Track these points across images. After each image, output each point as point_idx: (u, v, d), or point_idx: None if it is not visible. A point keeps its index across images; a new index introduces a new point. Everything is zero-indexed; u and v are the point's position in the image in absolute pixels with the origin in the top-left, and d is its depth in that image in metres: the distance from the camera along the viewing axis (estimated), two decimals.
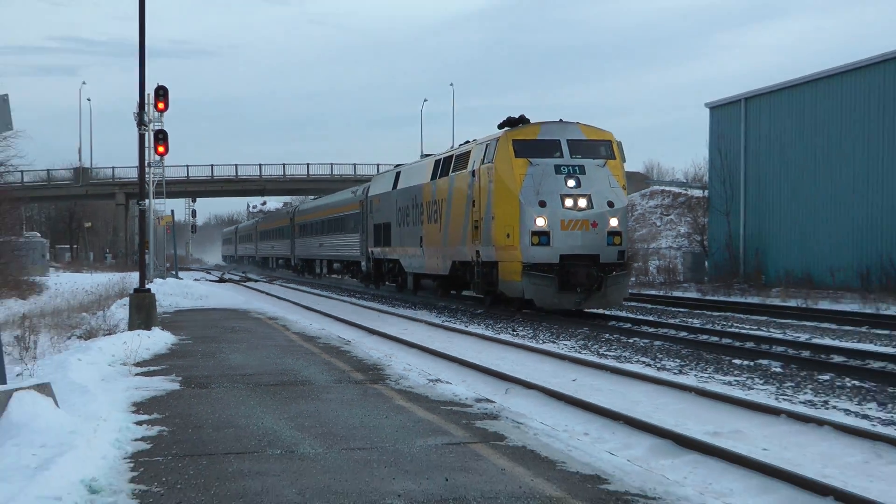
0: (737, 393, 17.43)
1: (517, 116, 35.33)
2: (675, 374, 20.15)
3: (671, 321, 32.53)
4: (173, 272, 77.21)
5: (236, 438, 12.08)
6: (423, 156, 46.62)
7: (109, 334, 24.85)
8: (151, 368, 19.12)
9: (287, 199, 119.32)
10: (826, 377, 19.09)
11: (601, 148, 33.24)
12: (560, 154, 32.40)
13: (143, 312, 27.95)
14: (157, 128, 36.62)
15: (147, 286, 31.69)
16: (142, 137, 33.70)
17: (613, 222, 31.45)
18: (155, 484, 9.65)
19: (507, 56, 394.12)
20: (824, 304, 39.16)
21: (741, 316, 35.57)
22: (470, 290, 42.31)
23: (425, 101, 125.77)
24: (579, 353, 23.92)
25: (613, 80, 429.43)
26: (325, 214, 73.16)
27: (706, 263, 59.20)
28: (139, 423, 13.02)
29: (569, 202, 31.16)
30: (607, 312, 36.85)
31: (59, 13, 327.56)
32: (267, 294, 57.49)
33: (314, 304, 47.47)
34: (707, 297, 46.24)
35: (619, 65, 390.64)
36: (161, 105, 35.34)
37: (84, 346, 21.61)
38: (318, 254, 78.42)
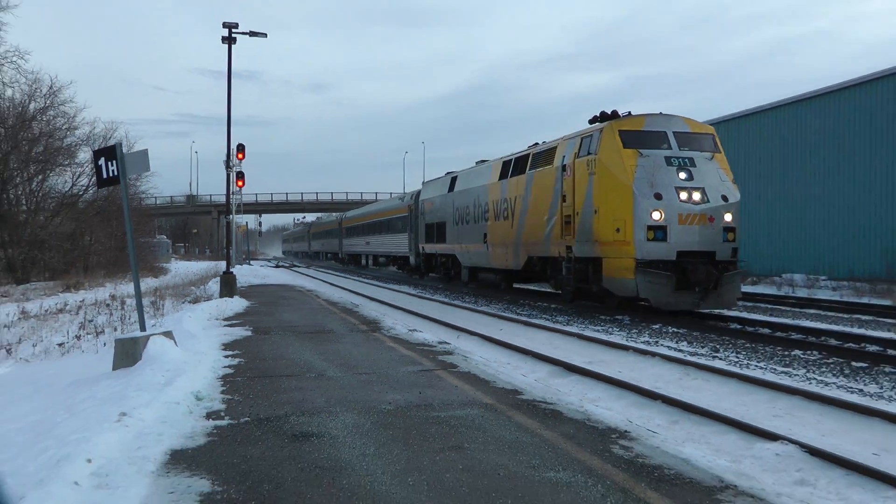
0: (602, 336, 17.53)
1: (610, 112, 23.77)
2: (564, 325, 20.23)
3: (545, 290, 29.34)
4: (247, 261, 77.73)
5: (286, 366, 12.08)
6: (479, 162, 36.17)
7: (208, 300, 24.85)
8: (233, 322, 19.07)
9: (319, 214, 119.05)
10: (656, 326, 19.22)
11: (707, 141, 22.83)
12: (668, 146, 22.05)
13: (228, 286, 27.97)
14: (237, 170, 36.82)
15: (231, 270, 31.74)
16: (228, 176, 35.95)
17: (728, 217, 21.21)
18: (236, 394, 9.70)
19: (460, 124, 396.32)
20: None
21: None
22: (536, 284, 32.95)
23: (406, 153, 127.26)
24: (503, 313, 23.96)
25: (532, 139, 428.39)
26: (371, 219, 61.88)
27: None
28: (226, 356, 13.02)
29: (683, 195, 21.03)
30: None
31: (180, 98, 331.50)
32: (306, 276, 57.24)
33: (336, 281, 47.41)
34: None
35: (539, 129, 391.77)
36: (240, 155, 35.66)
37: (192, 307, 21.71)
38: (364, 250, 66.78)
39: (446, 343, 15.08)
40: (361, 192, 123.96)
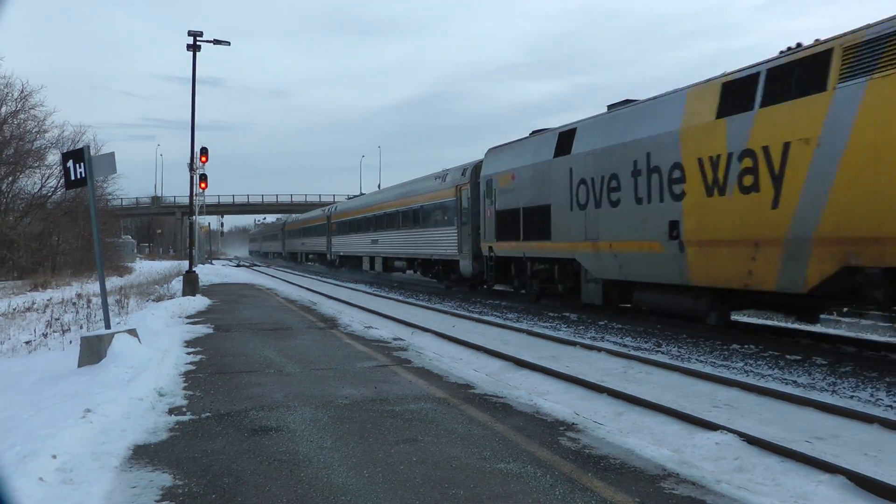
0: (550, 332, 17.62)
1: None
2: (515, 322, 20.30)
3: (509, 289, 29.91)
4: (209, 261, 77.20)
5: (247, 362, 12.00)
6: (535, 132, 25.05)
7: (171, 299, 24.64)
8: (196, 319, 18.90)
9: (280, 215, 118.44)
10: (602, 323, 19.34)
11: None
12: None
13: (191, 285, 27.76)
14: (201, 172, 36.61)
15: (193, 269, 31.46)
16: (192, 178, 35.36)
17: None
18: (198, 390, 9.62)
19: (415, 130, 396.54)
20: None
21: None
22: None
23: (363, 157, 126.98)
24: (456, 311, 23.97)
25: (484, 146, 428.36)
26: (384, 209, 42.97)
27: None
28: (188, 353, 12.92)
29: None
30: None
31: (147, 103, 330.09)
32: (266, 274, 56.90)
33: (296, 280, 47.18)
34: None
35: (490, 135, 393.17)
36: (204, 158, 35.50)
37: (156, 305, 21.49)
38: (369, 251, 46.56)
39: (401, 339, 15.05)
40: (320, 195, 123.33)
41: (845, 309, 18.60)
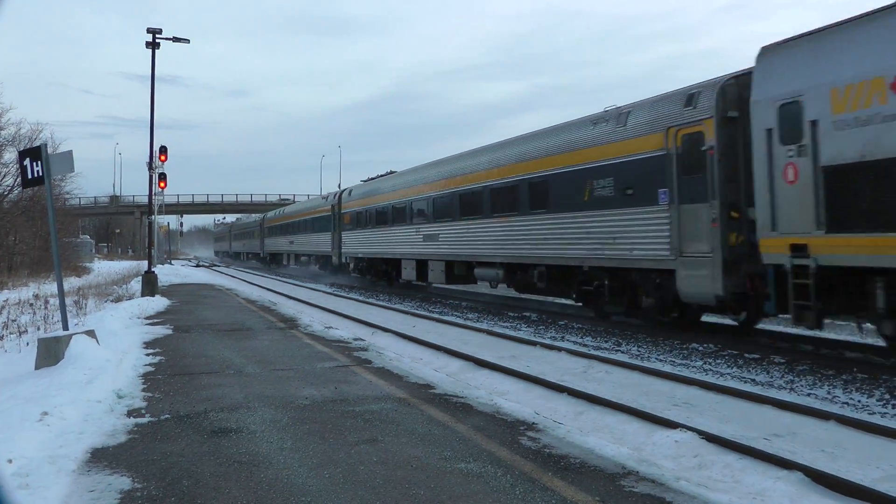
0: (511, 332, 17.68)
1: None
2: (476, 321, 20.34)
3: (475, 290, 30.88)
4: (169, 261, 76.53)
5: (206, 363, 11.92)
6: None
7: (130, 299, 24.39)
8: (155, 320, 18.75)
9: (239, 215, 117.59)
10: (562, 322, 19.43)
11: None
12: None
13: (150, 286, 27.51)
14: (160, 171, 36.31)
15: (152, 269, 31.19)
16: (151, 177, 35.50)
17: None
18: (157, 392, 9.54)
19: (374, 130, 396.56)
20: None
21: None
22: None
23: (323, 156, 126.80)
24: (417, 311, 23.96)
25: (444, 146, 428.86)
26: (459, 186, 25.61)
27: None
28: (147, 354, 12.82)
29: None
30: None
31: (105, 101, 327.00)
32: (226, 275, 56.55)
33: (256, 280, 46.93)
34: None
35: (450, 136, 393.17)
36: (163, 157, 35.36)
37: (114, 306, 21.31)
38: (427, 251, 28.12)
39: (361, 339, 15.03)
40: (280, 194, 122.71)
41: None
